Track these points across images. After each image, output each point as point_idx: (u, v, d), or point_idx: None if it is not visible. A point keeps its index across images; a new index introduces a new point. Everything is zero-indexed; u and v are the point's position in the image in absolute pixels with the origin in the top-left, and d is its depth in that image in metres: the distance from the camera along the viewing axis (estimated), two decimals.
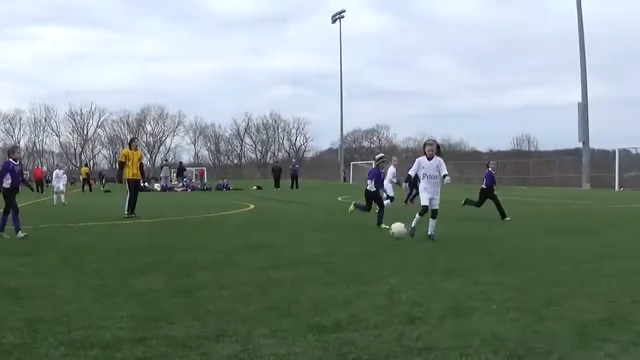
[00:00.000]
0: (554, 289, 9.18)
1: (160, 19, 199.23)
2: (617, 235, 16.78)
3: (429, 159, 15.38)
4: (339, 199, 39.87)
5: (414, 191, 27.31)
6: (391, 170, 27.70)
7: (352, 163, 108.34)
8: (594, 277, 10.15)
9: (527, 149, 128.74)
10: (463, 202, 23.63)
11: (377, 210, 19.20)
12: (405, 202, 30.44)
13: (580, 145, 69.33)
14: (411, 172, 15.94)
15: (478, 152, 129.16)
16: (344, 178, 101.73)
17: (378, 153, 22.65)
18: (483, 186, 22.79)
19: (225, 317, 7.40)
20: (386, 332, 6.73)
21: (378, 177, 19.70)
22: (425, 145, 15.83)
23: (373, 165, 20.77)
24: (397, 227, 15.29)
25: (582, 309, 7.83)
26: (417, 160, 15.78)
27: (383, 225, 18.22)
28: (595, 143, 75.88)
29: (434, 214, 15.36)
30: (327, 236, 16.59)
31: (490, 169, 23.20)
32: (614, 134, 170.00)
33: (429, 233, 15.15)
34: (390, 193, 26.61)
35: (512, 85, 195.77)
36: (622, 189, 58.71)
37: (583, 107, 65.64)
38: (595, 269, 10.95)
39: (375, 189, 19.46)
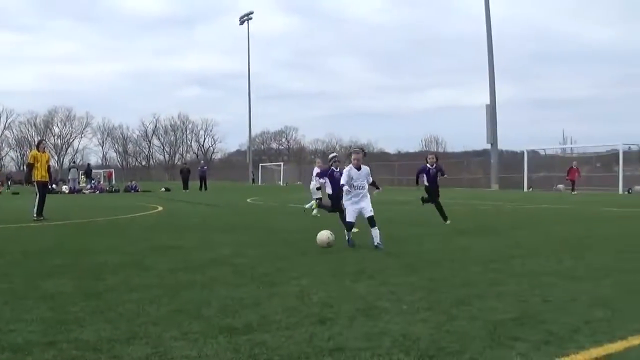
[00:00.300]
0: (464, 289, 9.30)
1: (72, 20, 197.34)
2: (526, 235, 17.01)
3: (357, 168, 14.47)
4: (248, 200, 39.90)
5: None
6: (316, 171, 27.54)
7: (260, 164, 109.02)
8: (503, 277, 10.30)
9: (435, 150, 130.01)
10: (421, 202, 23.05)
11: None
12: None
13: (488, 146, 70.35)
14: (343, 182, 14.47)
15: (386, 154, 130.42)
16: (253, 179, 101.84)
17: (331, 153, 21.62)
18: (425, 184, 22.27)
19: (136, 319, 7.37)
20: (297, 333, 6.76)
21: (332, 176, 19.01)
22: (350, 154, 14.84)
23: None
24: (323, 235, 14.13)
25: (493, 309, 7.96)
26: (346, 171, 14.58)
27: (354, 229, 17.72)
28: (503, 144, 77.10)
29: (373, 222, 14.31)
30: (236, 238, 16.57)
31: (427, 164, 21.90)
32: (523, 135, 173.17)
33: (375, 244, 14.09)
34: (316, 195, 26.64)
35: (421, 86, 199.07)
36: (530, 189, 59.66)
37: (491, 109, 66.63)
38: (505, 269, 11.11)
39: (332, 192, 19.15)
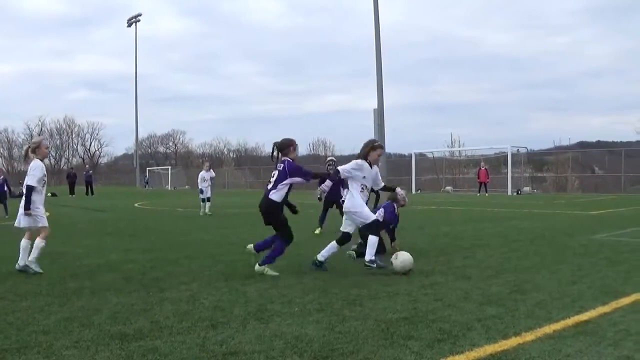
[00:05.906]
0: (356, 289, 9.41)
1: None
2: (413, 236, 17.19)
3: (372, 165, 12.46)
4: (136, 205, 39.48)
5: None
6: (209, 174, 28.06)
7: (147, 169, 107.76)
8: (394, 277, 10.47)
9: (323, 153, 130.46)
10: None
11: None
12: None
13: None
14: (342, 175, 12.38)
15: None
16: (147, 183, 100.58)
17: (329, 157, 20.14)
18: None
19: (26, 328, 7.26)
20: (189, 338, 6.76)
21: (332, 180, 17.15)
22: (375, 147, 12.50)
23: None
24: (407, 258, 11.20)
25: (384, 309, 8.06)
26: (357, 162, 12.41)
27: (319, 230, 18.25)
28: (393, 148, 77.98)
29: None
30: (125, 243, 16.44)
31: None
32: (415, 139, 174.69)
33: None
34: (205, 194, 27.86)
35: (313, 91, 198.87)
36: (419, 191, 60.34)
37: (379, 113, 67.22)
38: None
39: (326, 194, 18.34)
